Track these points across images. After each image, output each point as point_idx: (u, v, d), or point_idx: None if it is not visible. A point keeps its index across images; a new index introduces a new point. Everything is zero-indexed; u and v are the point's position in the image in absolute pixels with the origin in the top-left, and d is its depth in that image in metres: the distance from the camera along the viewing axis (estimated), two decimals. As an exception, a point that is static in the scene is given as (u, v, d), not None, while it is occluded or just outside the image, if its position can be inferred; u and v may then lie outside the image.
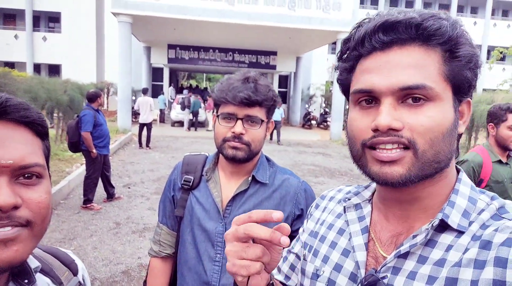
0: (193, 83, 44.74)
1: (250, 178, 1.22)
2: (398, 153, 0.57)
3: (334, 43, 16.21)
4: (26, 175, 0.57)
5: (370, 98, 0.60)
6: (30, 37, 23.10)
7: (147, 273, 1.38)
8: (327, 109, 20.20)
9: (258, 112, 1.17)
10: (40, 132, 0.62)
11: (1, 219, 0.53)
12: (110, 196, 5.83)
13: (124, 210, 5.48)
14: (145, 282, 1.39)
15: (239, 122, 1.15)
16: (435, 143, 0.57)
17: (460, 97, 0.61)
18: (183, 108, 15.76)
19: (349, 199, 0.75)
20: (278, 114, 13.13)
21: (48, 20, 25.02)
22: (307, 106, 21.63)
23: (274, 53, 19.91)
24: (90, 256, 3.98)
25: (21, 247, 0.55)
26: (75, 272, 0.78)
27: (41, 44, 23.48)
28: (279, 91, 23.13)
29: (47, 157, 0.64)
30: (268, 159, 1.32)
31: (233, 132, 1.15)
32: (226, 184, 1.25)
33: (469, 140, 9.82)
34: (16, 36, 23.44)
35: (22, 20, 23.76)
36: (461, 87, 0.59)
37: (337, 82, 0.69)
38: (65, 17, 23.46)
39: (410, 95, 0.57)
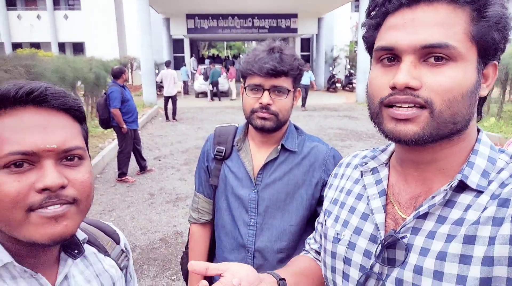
0: (214, 52, 44.38)
1: (279, 147, 1.25)
2: (413, 111, 0.57)
3: (357, 0, 15.50)
4: (69, 157, 0.62)
5: (392, 56, 0.60)
6: (52, 16, 23.37)
7: (188, 238, 1.46)
8: (352, 71, 19.61)
9: (284, 82, 1.17)
10: (78, 116, 0.67)
11: (51, 198, 0.58)
12: (143, 168, 6.04)
13: (157, 181, 5.69)
14: (186, 246, 1.48)
15: (266, 93, 1.17)
16: (453, 104, 0.56)
17: (486, 60, 0.59)
18: (205, 79, 15.75)
19: (365, 164, 0.76)
20: (307, 77, 12.37)
21: (68, -2, 25.13)
22: (331, 68, 21.08)
23: (295, 16, 19.29)
24: (129, 225, 4.21)
25: (70, 222, 0.61)
26: (117, 241, 0.84)
27: (63, 23, 23.75)
28: (301, 55, 22.61)
29: (86, 140, 0.69)
30: (296, 128, 1.34)
31: (261, 103, 1.17)
32: (256, 153, 1.29)
33: (503, 93, 9.36)
34: (38, 16, 23.77)
35: (42, 0, 23.98)
36: (487, 49, 0.58)
37: (363, 39, 0.69)
38: (84, -7, 23.47)
39: (433, 54, 0.56)
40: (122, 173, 5.68)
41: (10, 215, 0.57)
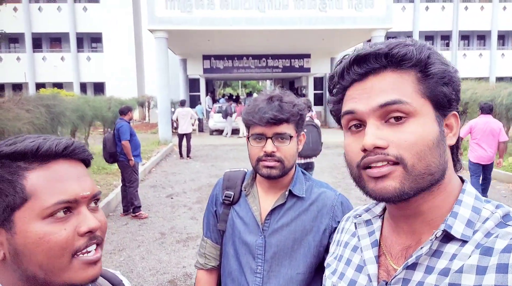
0: (229, 90, 45.45)
1: (287, 192, 1.24)
2: (387, 168, 0.61)
3: (369, 40, 15.87)
4: (91, 202, 0.68)
5: (358, 123, 0.66)
6: (75, 58, 24.58)
7: (195, 284, 1.43)
8: (365, 109, 19.67)
9: (286, 129, 1.19)
10: (88, 164, 0.73)
11: (91, 239, 0.64)
12: (132, 210, 5.84)
13: (168, 220, 5.66)
14: None
15: (269, 141, 1.18)
16: (422, 156, 0.60)
17: (443, 111, 0.64)
18: (224, 116, 16.12)
19: (360, 216, 0.79)
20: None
21: (91, 41, 26.54)
22: (344, 107, 21.22)
23: (308, 56, 19.81)
24: (139, 266, 4.14)
25: (100, 263, 0.66)
26: None
27: (85, 64, 24.92)
28: (314, 93, 22.93)
29: None
30: (304, 173, 1.34)
31: (265, 151, 1.18)
32: (264, 198, 1.28)
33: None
34: (62, 58, 25.03)
35: (67, 43, 25.36)
36: (441, 102, 0.63)
37: (331, 113, 0.76)
38: (106, 37, 24.77)
39: (391, 114, 0.61)
40: (137, 207, 5.71)
41: (57, 262, 0.60)
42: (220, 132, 17.10)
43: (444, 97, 0.63)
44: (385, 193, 0.61)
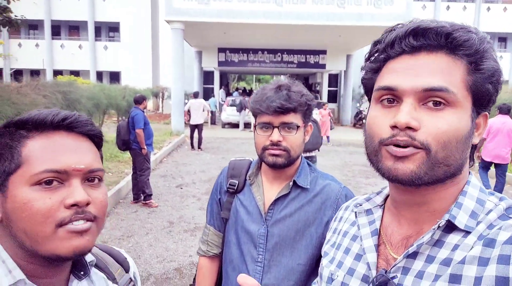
0: (243, 84, 45.41)
1: (291, 183, 1.24)
2: (410, 149, 0.59)
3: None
4: (90, 178, 0.67)
5: (392, 97, 0.62)
6: (92, 46, 24.86)
7: (196, 271, 1.44)
8: (379, 108, 19.43)
9: (293, 118, 1.19)
10: (98, 143, 0.73)
11: (78, 214, 0.63)
12: (143, 198, 5.94)
13: (177, 209, 5.72)
14: (194, 279, 1.46)
15: (276, 130, 1.18)
16: (447, 147, 0.59)
17: (479, 109, 0.63)
18: (239, 110, 16.14)
19: (360, 205, 0.78)
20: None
21: (109, 30, 26.78)
22: (358, 105, 21.05)
23: (324, 52, 19.62)
24: (146, 253, 4.21)
25: (91, 238, 0.65)
26: (127, 269, 0.86)
27: (102, 53, 25.19)
28: (329, 90, 22.75)
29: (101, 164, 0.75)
30: (309, 165, 1.33)
31: (271, 140, 1.18)
32: (268, 188, 1.28)
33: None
34: (80, 46, 25.34)
35: (85, 31, 25.65)
36: (482, 99, 0.62)
37: (361, 81, 0.72)
38: (124, 26, 24.98)
39: (432, 98, 0.59)
40: (148, 195, 5.79)
41: (40, 229, 0.61)
42: (232, 125, 17.12)
43: (487, 95, 0.61)
44: (401, 174, 0.60)
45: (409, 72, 0.60)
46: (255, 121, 1.25)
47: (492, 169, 6.22)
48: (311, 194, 1.24)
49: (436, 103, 0.59)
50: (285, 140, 1.18)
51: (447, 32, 0.59)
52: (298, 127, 1.20)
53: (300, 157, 1.27)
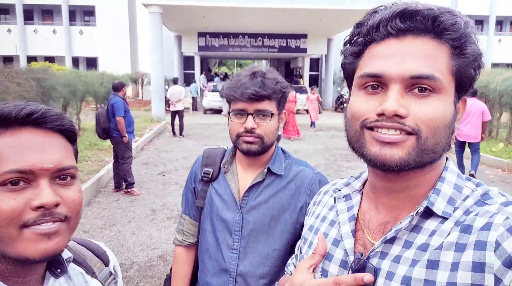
0: (224, 70, 44.96)
1: (265, 170, 1.25)
2: (400, 136, 0.58)
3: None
4: (62, 176, 0.64)
5: (377, 84, 0.61)
6: (67, 31, 24.00)
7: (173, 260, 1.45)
8: (360, 91, 19.60)
9: (267, 106, 1.19)
10: (71, 138, 0.70)
11: (45, 216, 0.60)
12: (125, 187, 5.90)
13: (160, 197, 5.70)
14: (171, 269, 1.46)
15: (250, 117, 1.18)
16: (436, 133, 0.58)
17: (460, 94, 0.62)
18: (222, 95, 15.97)
19: (339, 190, 0.77)
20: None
21: (84, 14, 25.90)
22: (339, 89, 21.18)
23: (305, 36, 19.56)
24: (129, 241, 4.20)
25: (61, 239, 0.63)
26: (106, 263, 0.84)
27: (78, 38, 24.38)
28: (310, 75, 22.78)
29: (76, 159, 0.72)
30: (284, 151, 1.34)
31: (245, 127, 1.18)
32: (243, 176, 1.29)
33: (512, 119, 9.26)
34: (54, 31, 24.44)
35: (59, 15, 24.72)
36: (464, 84, 0.61)
37: (342, 66, 0.69)
38: (99, 10, 24.17)
39: (418, 85, 0.58)
40: (130, 183, 5.73)
41: (4, 231, 0.58)
42: (214, 111, 16.99)
43: (469, 80, 0.60)
44: (389, 160, 0.58)
45: (395, 58, 0.59)
46: (229, 108, 1.24)
47: (467, 149, 6.58)
48: (285, 180, 1.26)
49: (422, 89, 0.58)
50: (259, 127, 1.18)
51: (434, 15, 0.58)
52: (272, 114, 1.20)
53: (274, 144, 1.28)
